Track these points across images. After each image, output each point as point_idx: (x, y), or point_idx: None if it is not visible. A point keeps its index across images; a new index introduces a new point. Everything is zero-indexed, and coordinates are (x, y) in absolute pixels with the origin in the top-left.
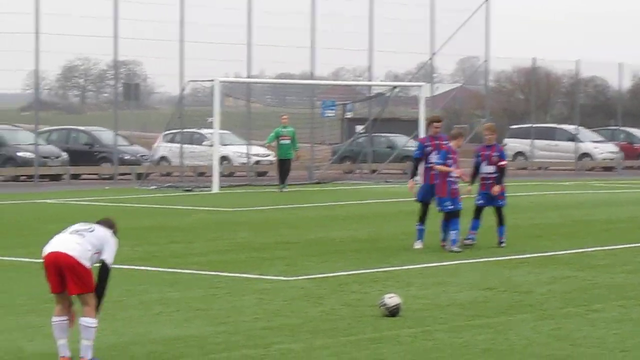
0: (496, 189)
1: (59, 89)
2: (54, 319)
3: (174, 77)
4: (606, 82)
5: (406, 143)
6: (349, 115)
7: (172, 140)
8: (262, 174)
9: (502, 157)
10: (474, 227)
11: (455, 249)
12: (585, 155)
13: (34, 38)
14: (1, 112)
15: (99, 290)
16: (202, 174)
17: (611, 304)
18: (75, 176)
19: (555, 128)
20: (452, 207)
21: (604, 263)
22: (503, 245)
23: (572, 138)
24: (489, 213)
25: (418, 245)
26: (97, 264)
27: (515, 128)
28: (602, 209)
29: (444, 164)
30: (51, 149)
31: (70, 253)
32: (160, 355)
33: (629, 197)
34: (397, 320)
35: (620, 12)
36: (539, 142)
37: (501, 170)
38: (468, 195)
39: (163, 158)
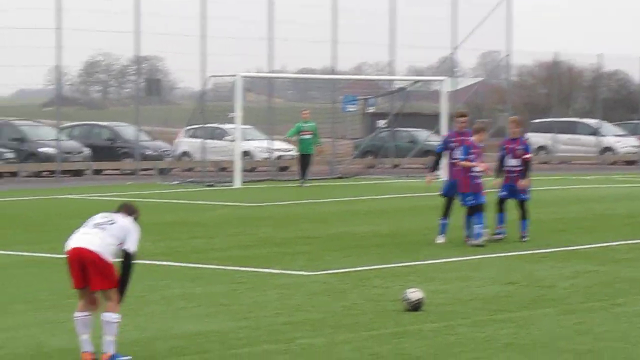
0: (524, 182)
1: (81, 84)
2: (77, 314)
3: (195, 72)
4: (628, 76)
5: (428, 137)
6: (370, 110)
7: (194, 136)
8: (283, 168)
9: (526, 150)
10: (501, 221)
11: (479, 242)
12: (608, 149)
13: (56, 34)
14: (23, 108)
15: (123, 279)
16: (224, 169)
17: (634, 298)
18: (98, 172)
19: (577, 122)
20: (474, 201)
21: (627, 257)
22: (525, 239)
23: (594, 132)
24: (511, 207)
25: (440, 239)
26: (119, 259)
27: (537, 122)
28: (624, 203)
29: (467, 159)
30: (73, 144)
31: (93, 248)
32: (182, 350)
33: None
34: (420, 314)
35: None
36: (561, 137)
37: (526, 164)
38: (495, 189)
39: (185, 153)
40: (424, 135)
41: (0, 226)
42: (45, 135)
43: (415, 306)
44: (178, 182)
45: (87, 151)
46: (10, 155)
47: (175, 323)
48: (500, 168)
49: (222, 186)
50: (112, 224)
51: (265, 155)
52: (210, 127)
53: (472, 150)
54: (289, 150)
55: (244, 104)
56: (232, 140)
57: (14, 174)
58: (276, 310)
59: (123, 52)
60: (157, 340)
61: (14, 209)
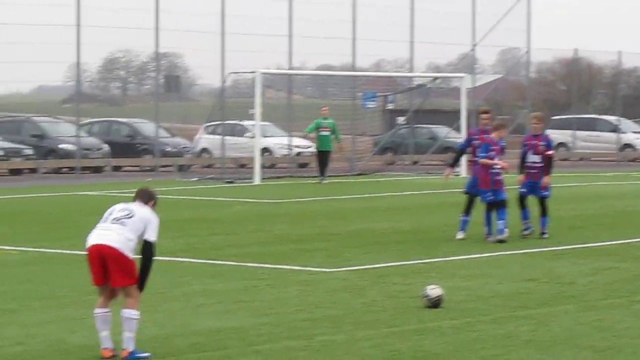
0: (546, 179)
1: (100, 81)
2: (97, 310)
3: (215, 68)
4: None
5: (447, 134)
6: (390, 106)
7: (213, 132)
8: (303, 165)
9: (549, 146)
10: (525, 217)
11: (502, 237)
12: (627, 146)
13: (76, 30)
14: (43, 104)
15: (144, 269)
16: (244, 165)
17: None
18: (117, 168)
19: (597, 119)
20: (493, 197)
21: None
22: (545, 236)
23: (614, 129)
24: (532, 204)
25: (460, 235)
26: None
27: (557, 119)
28: None
29: (487, 157)
30: (93, 141)
31: (113, 245)
32: (202, 346)
33: None
34: (440, 311)
35: None
36: (581, 133)
37: (548, 160)
38: (518, 185)
39: (204, 150)
40: (443, 132)
41: (20, 223)
42: (65, 132)
43: (435, 303)
44: (197, 178)
45: (106, 148)
46: (29, 151)
47: (195, 319)
48: (523, 164)
49: (242, 183)
50: (131, 217)
51: (285, 152)
52: (230, 123)
53: (492, 147)
54: (308, 147)
55: (263, 100)
56: (252, 137)
57: (33, 171)
58: (296, 307)
59: (142, 49)
60: (176, 337)
61: (34, 205)
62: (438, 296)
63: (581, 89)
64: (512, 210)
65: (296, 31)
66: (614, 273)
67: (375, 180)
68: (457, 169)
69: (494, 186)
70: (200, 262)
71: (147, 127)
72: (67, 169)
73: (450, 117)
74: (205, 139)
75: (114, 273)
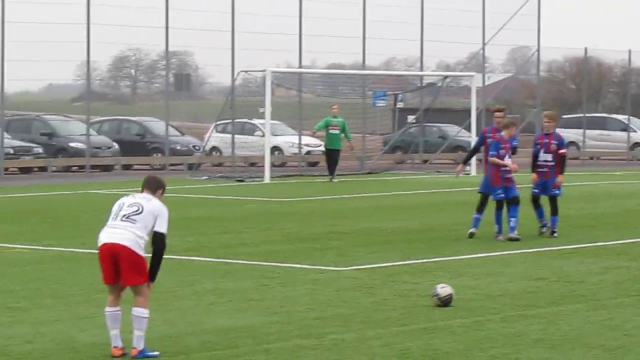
0: (560, 178)
1: (110, 79)
2: (107, 309)
3: (225, 67)
4: None
5: (458, 133)
6: (400, 105)
7: (223, 131)
8: (313, 164)
9: (561, 144)
10: (540, 215)
11: (514, 235)
12: (638, 145)
13: (86, 28)
14: (53, 103)
15: (154, 262)
16: (254, 164)
17: None
18: (127, 167)
19: (607, 118)
20: (503, 195)
21: None
22: (555, 235)
23: (624, 128)
24: (543, 201)
25: (471, 229)
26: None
27: (567, 118)
28: None
29: (497, 155)
30: (102, 139)
31: (125, 243)
32: (213, 345)
33: None
34: (449, 310)
35: None
36: (591, 132)
37: (561, 159)
38: (532, 184)
39: (214, 148)
40: (453, 131)
41: (30, 221)
42: (75, 130)
43: (445, 302)
44: (207, 177)
45: (116, 146)
46: (39, 150)
47: (206, 318)
48: (535, 163)
49: (252, 181)
50: (140, 213)
51: (295, 150)
52: (240, 122)
53: (502, 146)
54: (318, 146)
55: (273, 99)
56: (262, 136)
57: (43, 169)
58: (306, 306)
59: (153, 47)
60: (187, 336)
61: (44, 204)
62: (448, 295)
63: (591, 88)
64: (523, 210)
65: (306, 30)
66: (623, 272)
67: (384, 179)
68: (467, 168)
69: (505, 183)
70: (211, 261)
71: (157, 125)
72: (77, 168)
73: (460, 116)
74: (215, 138)
75: (125, 272)
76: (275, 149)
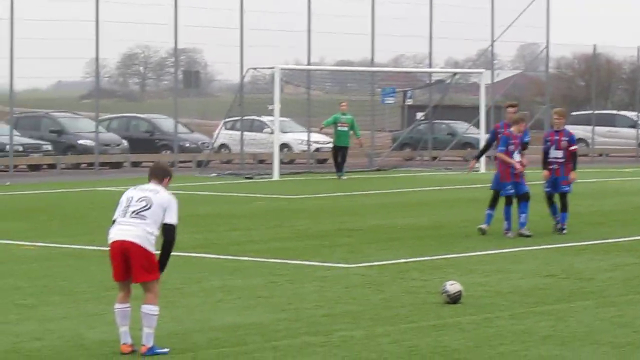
0: (573, 175)
1: (119, 76)
2: (117, 305)
3: (234, 64)
4: None
5: (466, 130)
6: (409, 102)
7: (232, 128)
8: (322, 161)
9: (571, 141)
10: (554, 212)
11: (524, 232)
12: None
13: (94, 26)
14: (62, 100)
15: (164, 253)
16: (262, 161)
17: None
18: (136, 164)
19: (616, 115)
20: (513, 191)
21: None
22: (564, 232)
23: (633, 125)
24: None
25: (483, 225)
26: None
27: (576, 115)
28: None
29: (506, 151)
30: (112, 136)
31: (135, 241)
32: (221, 342)
33: None
34: (459, 307)
35: None
36: (600, 129)
37: (573, 155)
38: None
39: (223, 145)
40: (462, 128)
41: (39, 218)
42: (84, 128)
43: (455, 299)
44: (216, 174)
45: (125, 143)
46: (48, 147)
47: (214, 315)
48: (546, 160)
49: (261, 178)
50: (149, 208)
51: (304, 147)
52: (249, 119)
53: (512, 142)
54: (327, 143)
55: (282, 96)
56: (271, 133)
57: (52, 166)
58: (315, 303)
59: (161, 44)
60: (195, 333)
61: (52, 201)
62: (457, 292)
63: (600, 85)
64: (533, 207)
65: (315, 27)
66: (633, 269)
67: (393, 176)
68: (477, 165)
69: (514, 179)
70: (219, 258)
71: (166, 122)
72: (86, 165)
73: (469, 113)
74: (224, 135)
75: (136, 269)
76: (284, 146)
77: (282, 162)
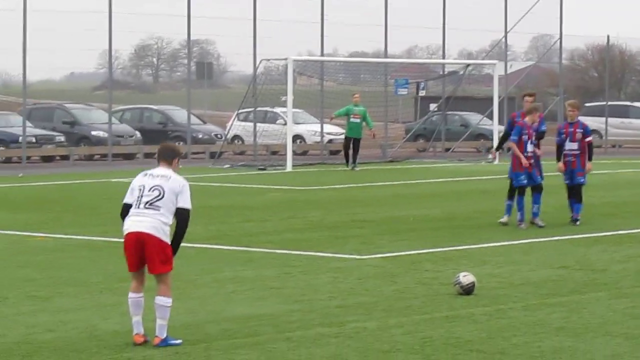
0: (589, 166)
1: (132, 68)
2: (131, 294)
3: (247, 55)
4: None
5: (480, 121)
6: (422, 93)
7: (245, 119)
8: (335, 152)
9: (586, 133)
10: (571, 205)
11: (538, 222)
12: None
13: (108, 17)
14: (75, 92)
15: (177, 237)
16: (276, 152)
17: None
18: (149, 155)
19: (629, 106)
20: (526, 182)
21: None
22: (578, 223)
23: None
24: (564, 189)
25: (503, 219)
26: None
27: (589, 106)
28: None
29: (519, 141)
30: (125, 128)
31: (151, 232)
32: (234, 333)
33: None
34: (472, 298)
35: None
36: (613, 120)
37: (588, 147)
38: (559, 172)
39: (236, 137)
40: (476, 119)
41: (52, 210)
42: (97, 119)
43: (468, 290)
44: (229, 165)
45: (138, 135)
46: (61, 138)
47: (227, 306)
48: (560, 152)
49: (274, 170)
50: (162, 197)
51: (317, 138)
52: (262, 110)
53: (525, 132)
54: (340, 134)
55: (295, 87)
56: (284, 124)
57: (65, 158)
58: (328, 294)
59: (174, 36)
60: (208, 324)
61: (66, 192)
62: (470, 283)
63: (613, 76)
64: (546, 198)
65: (328, 18)
66: None
67: (406, 167)
68: (489, 157)
69: (528, 169)
70: (232, 249)
71: (179, 114)
72: (99, 156)
73: (482, 104)
74: (237, 126)
75: (151, 260)
76: (297, 137)
77: (295, 154)
